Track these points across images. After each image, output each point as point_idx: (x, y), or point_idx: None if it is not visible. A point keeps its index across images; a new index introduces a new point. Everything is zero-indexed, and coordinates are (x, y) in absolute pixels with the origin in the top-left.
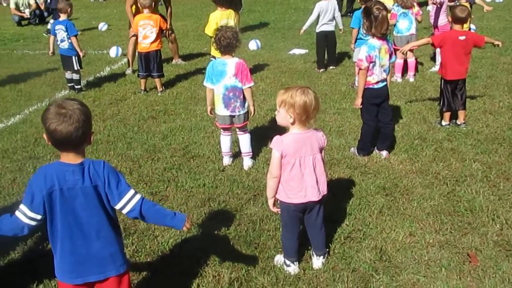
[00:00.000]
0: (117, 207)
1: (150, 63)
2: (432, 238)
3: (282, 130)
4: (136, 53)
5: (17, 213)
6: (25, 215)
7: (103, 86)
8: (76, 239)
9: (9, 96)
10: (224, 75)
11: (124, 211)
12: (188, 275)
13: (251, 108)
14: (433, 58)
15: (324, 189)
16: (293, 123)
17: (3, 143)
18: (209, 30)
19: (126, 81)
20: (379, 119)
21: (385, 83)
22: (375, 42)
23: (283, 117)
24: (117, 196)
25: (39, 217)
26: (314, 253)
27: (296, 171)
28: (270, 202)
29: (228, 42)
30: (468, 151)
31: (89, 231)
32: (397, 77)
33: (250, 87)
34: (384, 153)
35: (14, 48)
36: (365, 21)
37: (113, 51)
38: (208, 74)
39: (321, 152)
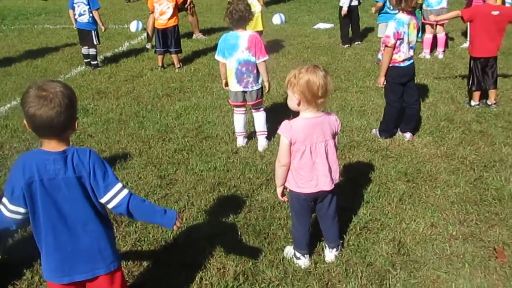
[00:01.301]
0: (102, 200)
1: (168, 39)
2: (456, 230)
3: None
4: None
5: (0, 206)
6: (6, 208)
7: (120, 62)
8: (60, 234)
9: (25, 72)
10: (237, 48)
11: (110, 205)
12: (191, 267)
13: (266, 84)
14: (465, 33)
15: (336, 177)
16: (298, 105)
17: (14, 122)
18: None
19: (144, 57)
20: (404, 99)
21: (412, 60)
22: (404, 17)
23: (290, 98)
24: (103, 189)
25: (21, 210)
26: (326, 245)
27: (307, 159)
28: (279, 190)
29: (240, 15)
30: (498, 134)
31: (74, 225)
32: (426, 53)
33: (264, 61)
34: (408, 135)
35: (35, 23)
36: None
37: (133, 26)
38: (220, 47)
39: (334, 138)
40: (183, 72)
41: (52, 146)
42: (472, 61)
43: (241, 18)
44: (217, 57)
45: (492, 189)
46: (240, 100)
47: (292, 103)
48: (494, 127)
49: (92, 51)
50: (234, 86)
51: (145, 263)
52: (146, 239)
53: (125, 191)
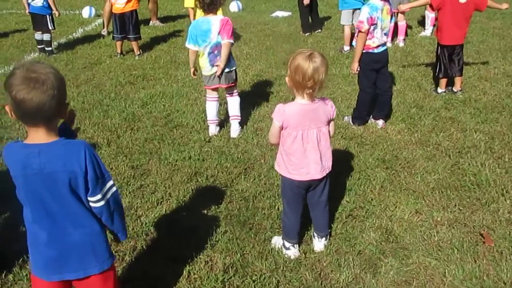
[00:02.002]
0: (92, 199)
1: (126, 25)
2: (440, 216)
3: (269, 96)
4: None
5: None
6: None
7: (76, 48)
8: (50, 230)
9: None
10: (210, 34)
11: (97, 204)
12: (177, 261)
13: (221, 65)
14: (422, 22)
15: (329, 165)
16: (291, 88)
17: None
18: (188, 0)
19: (101, 44)
20: (377, 85)
21: (385, 46)
22: (377, 2)
23: (287, 82)
24: (94, 188)
25: None
26: (315, 234)
27: (298, 145)
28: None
29: (211, 0)
30: (468, 120)
31: (64, 220)
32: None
33: (228, 43)
34: (381, 122)
35: None
36: None
37: (86, 12)
38: (191, 34)
39: (328, 124)
40: (144, 59)
41: (39, 136)
42: (439, 49)
43: (212, 3)
44: (188, 45)
45: (470, 174)
46: (216, 83)
47: (289, 87)
48: (463, 113)
49: (46, 37)
50: (208, 69)
51: (127, 258)
52: None
53: (114, 189)
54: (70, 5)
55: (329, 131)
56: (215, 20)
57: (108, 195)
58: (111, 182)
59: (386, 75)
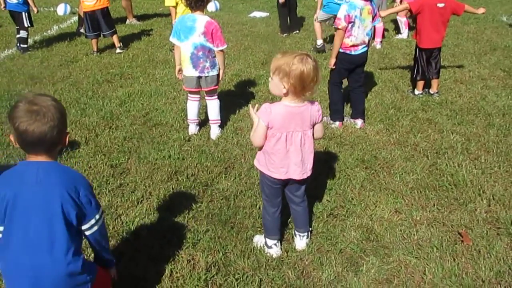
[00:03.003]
0: (84, 227)
1: (98, 22)
2: (419, 215)
3: (248, 96)
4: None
5: None
6: None
7: (51, 46)
8: (30, 257)
9: None
10: (193, 32)
11: (87, 232)
12: (159, 260)
13: (221, 72)
14: (398, 25)
15: (310, 168)
16: (286, 94)
17: None
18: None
19: (77, 41)
20: (348, 82)
21: (365, 48)
22: (357, 1)
23: (276, 85)
24: (86, 216)
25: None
26: (296, 232)
27: (281, 146)
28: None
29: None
30: (445, 122)
31: (46, 246)
32: (376, 42)
33: (222, 50)
34: (359, 122)
35: None
36: None
37: (61, 9)
38: (176, 29)
39: (313, 127)
40: (121, 57)
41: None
42: (417, 52)
43: (199, 0)
44: (172, 39)
45: (447, 174)
46: (195, 86)
47: (277, 91)
48: (440, 115)
49: (22, 34)
50: (190, 71)
51: None
52: None
53: (102, 219)
54: (45, 2)
55: (313, 134)
56: (201, 19)
57: (100, 223)
58: (100, 211)
59: (359, 75)
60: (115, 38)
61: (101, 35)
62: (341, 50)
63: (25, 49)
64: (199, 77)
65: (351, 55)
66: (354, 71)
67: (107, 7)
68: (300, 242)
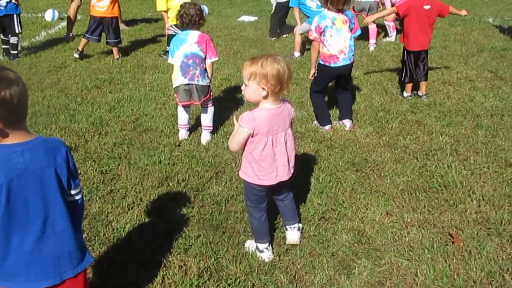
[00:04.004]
0: (73, 192)
1: (104, 29)
2: (410, 217)
3: (238, 100)
4: (84, 17)
5: None
6: None
7: (39, 52)
8: (26, 235)
9: None
10: (185, 42)
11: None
12: (150, 266)
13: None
14: (385, 28)
15: (294, 165)
16: (266, 97)
17: None
18: (160, 4)
19: (65, 47)
20: (335, 86)
21: (347, 62)
22: (328, 12)
23: (254, 91)
24: (73, 182)
25: None
26: (287, 225)
27: (269, 151)
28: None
29: (189, 19)
30: (433, 123)
31: (43, 224)
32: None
33: (213, 62)
34: (348, 123)
35: None
36: None
37: (48, 15)
38: (171, 49)
39: (291, 125)
40: (110, 63)
41: (20, 136)
42: (405, 54)
43: (191, 22)
44: (170, 60)
45: (437, 176)
46: (187, 99)
47: (255, 96)
48: (429, 117)
49: (13, 40)
50: (179, 80)
51: (99, 265)
52: (96, 238)
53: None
54: (32, 8)
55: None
56: (194, 33)
57: (80, 193)
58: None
59: (343, 84)
60: (115, 50)
61: (106, 43)
62: (321, 62)
63: (15, 55)
64: (189, 85)
65: (330, 67)
66: (338, 81)
67: (116, 17)
68: (292, 234)
